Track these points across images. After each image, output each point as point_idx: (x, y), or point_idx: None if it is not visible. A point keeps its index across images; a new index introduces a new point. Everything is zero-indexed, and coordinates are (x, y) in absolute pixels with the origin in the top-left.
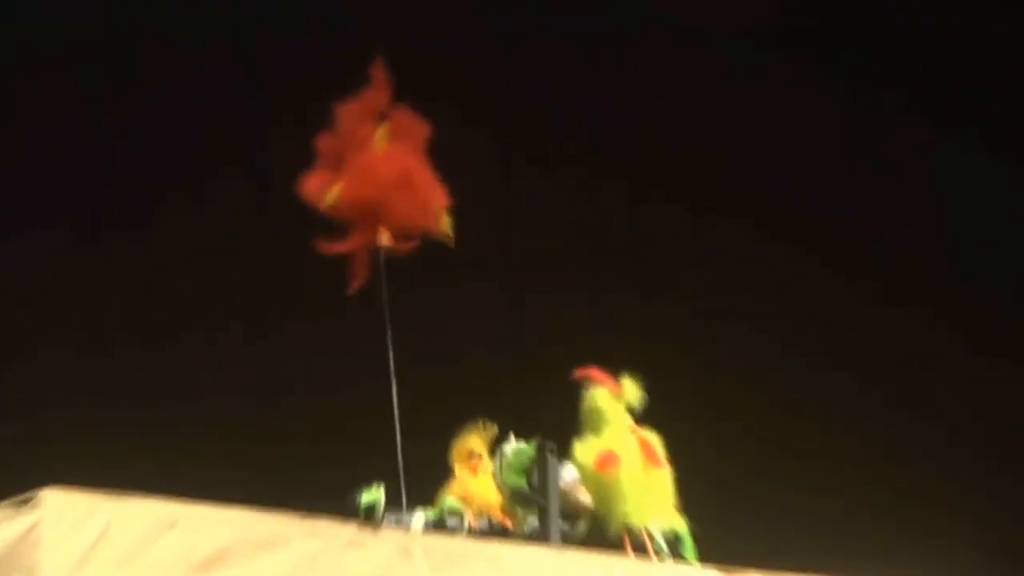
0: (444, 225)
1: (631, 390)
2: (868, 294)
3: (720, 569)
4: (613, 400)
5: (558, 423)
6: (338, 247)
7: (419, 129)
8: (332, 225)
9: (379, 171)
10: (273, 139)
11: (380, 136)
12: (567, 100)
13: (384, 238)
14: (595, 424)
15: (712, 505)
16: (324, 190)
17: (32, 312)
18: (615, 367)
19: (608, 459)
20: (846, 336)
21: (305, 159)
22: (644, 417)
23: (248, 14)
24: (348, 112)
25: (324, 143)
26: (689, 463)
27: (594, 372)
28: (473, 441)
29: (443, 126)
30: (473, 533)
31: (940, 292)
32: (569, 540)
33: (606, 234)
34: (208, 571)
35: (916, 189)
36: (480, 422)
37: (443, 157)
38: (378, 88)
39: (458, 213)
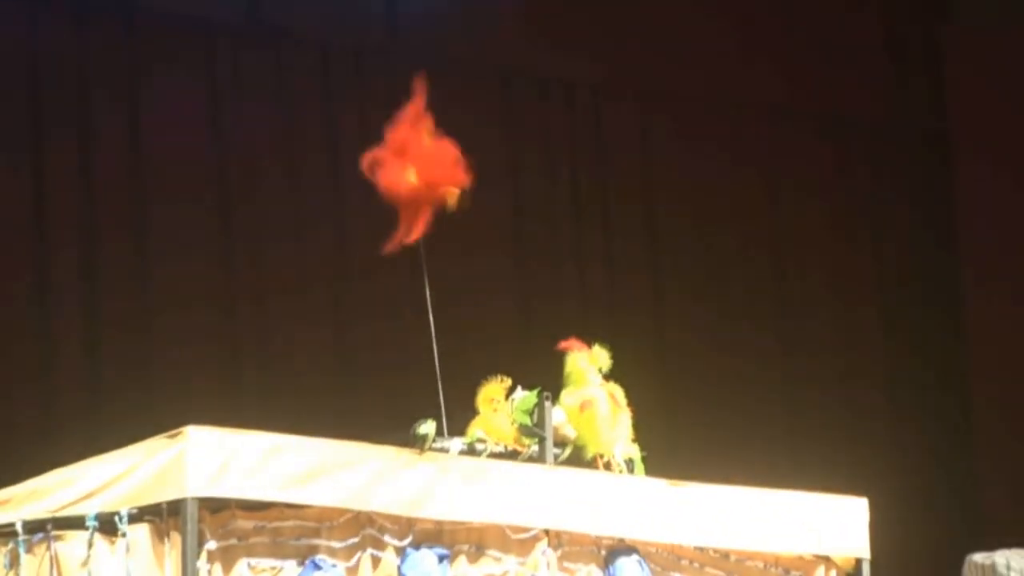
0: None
1: (601, 354)
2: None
3: (667, 482)
4: (588, 361)
5: (552, 378)
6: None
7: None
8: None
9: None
10: None
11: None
12: None
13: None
14: (575, 379)
15: (659, 440)
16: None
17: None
18: (588, 338)
19: (586, 404)
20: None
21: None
22: (610, 374)
23: None
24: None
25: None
26: (642, 409)
27: (574, 342)
28: (494, 390)
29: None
30: (493, 455)
31: None
32: (559, 461)
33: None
34: (304, 484)
35: None
36: (499, 377)
37: None
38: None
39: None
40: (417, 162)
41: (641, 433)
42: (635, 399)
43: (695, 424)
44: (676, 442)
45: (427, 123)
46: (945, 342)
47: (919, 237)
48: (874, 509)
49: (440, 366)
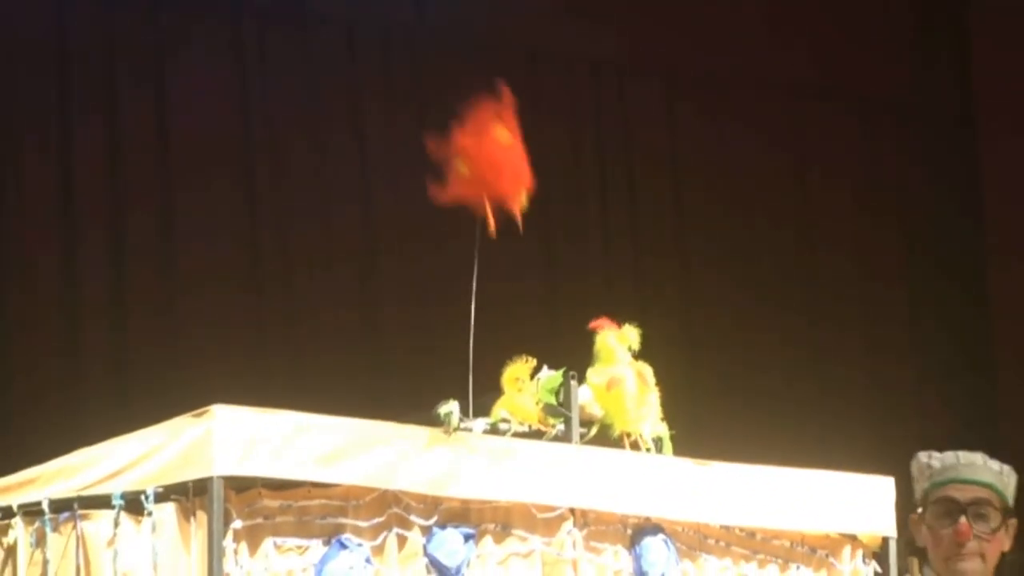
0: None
1: (631, 333)
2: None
3: (694, 461)
4: (618, 340)
5: (578, 358)
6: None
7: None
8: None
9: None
10: None
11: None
12: None
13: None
14: (604, 357)
15: (686, 419)
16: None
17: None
18: (615, 316)
19: (613, 382)
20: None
21: None
22: (639, 353)
23: None
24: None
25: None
26: (670, 388)
27: (603, 321)
28: (519, 369)
29: None
30: (518, 435)
31: None
32: (585, 440)
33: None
34: (330, 463)
35: None
36: (524, 356)
37: None
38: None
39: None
40: (478, 165)
41: (668, 410)
42: (661, 376)
43: (721, 400)
44: (702, 419)
45: (500, 125)
46: (971, 318)
47: (945, 214)
48: (900, 487)
49: (465, 344)
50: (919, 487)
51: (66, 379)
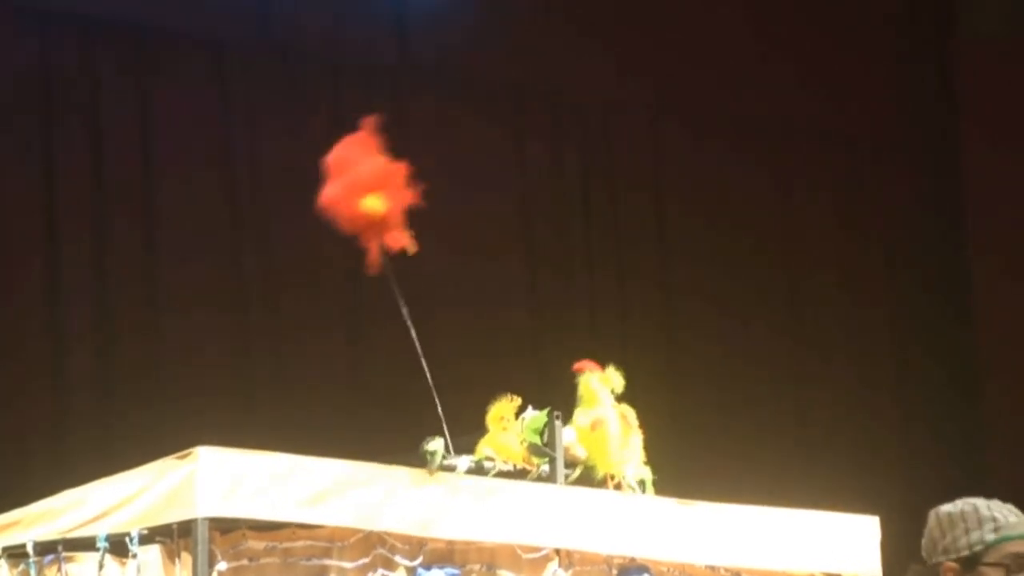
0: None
1: (614, 376)
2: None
3: (678, 501)
4: (601, 382)
5: (562, 400)
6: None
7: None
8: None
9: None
10: None
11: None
12: None
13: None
14: (588, 399)
15: (669, 462)
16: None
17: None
18: (602, 360)
19: (597, 423)
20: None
21: None
22: (622, 396)
23: None
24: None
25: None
26: (653, 431)
27: (587, 363)
28: (504, 408)
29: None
30: (503, 474)
31: None
32: (569, 482)
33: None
34: (315, 504)
35: None
36: (509, 396)
37: None
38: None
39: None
40: (360, 183)
41: (652, 446)
42: (645, 405)
43: (706, 430)
44: (687, 449)
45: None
46: (957, 341)
47: (930, 235)
48: (885, 519)
49: (448, 375)
50: (972, 537)
51: (51, 400)
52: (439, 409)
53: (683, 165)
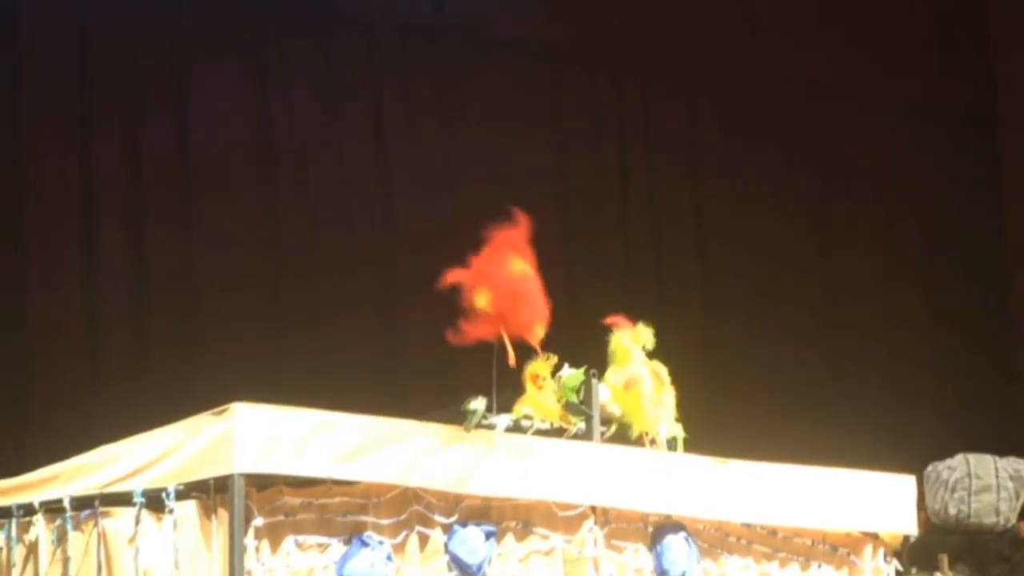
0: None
1: (645, 333)
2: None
3: (714, 459)
4: (632, 340)
5: (597, 357)
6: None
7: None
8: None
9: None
10: None
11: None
12: None
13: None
14: (620, 357)
15: (700, 419)
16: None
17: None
18: (634, 316)
19: (631, 382)
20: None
21: None
22: (656, 353)
23: None
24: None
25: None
26: (686, 387)
27: (619, 318)
28: (541, 367)
29: None
30: (539, 432)
31: None
32: (603, 439)
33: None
34: (351, 460)
35: None
36: (546, 355)
37: None
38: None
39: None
40: (496, 293)
41: (685, 412)
42: (681, 378)
43: (740, 404)
44: (720, 421)
45: (516, 253)
46: (990, 323)
47: (965, 218)
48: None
49: (487, 345)
50: None
51: (87, 382)
52: (494, 371)
53: (718, 140)
